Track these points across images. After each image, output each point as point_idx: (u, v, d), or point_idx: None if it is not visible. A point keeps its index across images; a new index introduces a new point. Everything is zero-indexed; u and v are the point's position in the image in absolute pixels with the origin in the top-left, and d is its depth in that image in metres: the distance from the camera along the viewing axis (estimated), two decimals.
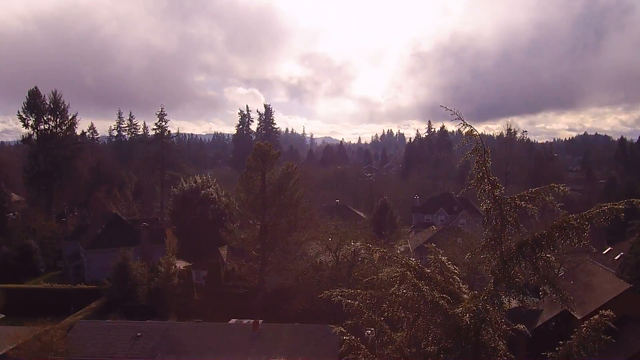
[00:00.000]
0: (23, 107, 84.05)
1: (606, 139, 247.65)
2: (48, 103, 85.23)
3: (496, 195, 10.19)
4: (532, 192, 10.36)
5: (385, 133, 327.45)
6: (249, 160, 49.16)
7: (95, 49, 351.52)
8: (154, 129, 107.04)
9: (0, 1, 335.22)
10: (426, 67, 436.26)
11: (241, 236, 49.84)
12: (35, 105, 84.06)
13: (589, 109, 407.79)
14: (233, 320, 39.29)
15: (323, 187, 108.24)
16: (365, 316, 10.83)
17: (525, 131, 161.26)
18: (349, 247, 40.86)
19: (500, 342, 10.37)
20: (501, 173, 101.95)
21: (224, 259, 56.86)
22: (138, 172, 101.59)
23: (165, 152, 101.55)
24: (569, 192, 10.19)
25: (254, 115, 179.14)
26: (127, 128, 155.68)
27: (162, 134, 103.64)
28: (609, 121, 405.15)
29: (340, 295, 10.93)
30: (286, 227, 49.51)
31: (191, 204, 65.61)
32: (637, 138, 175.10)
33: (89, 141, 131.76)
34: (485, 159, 10.10)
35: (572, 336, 10.47)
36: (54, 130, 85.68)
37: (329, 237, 43.68)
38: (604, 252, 50.08)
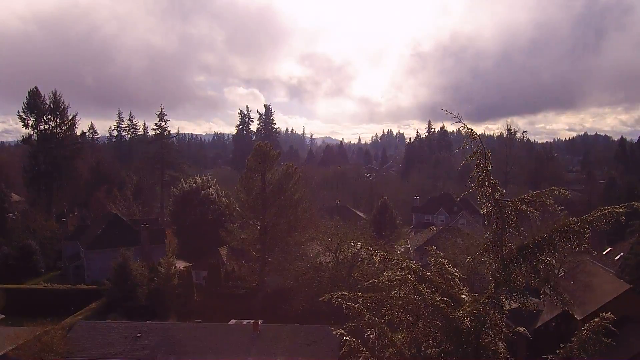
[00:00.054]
0: (23, 107, 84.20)
1: (606, 139, 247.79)
2: (48, 103, 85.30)
3: (497, 199, 10.20)
4: (533, 196, 10.37)
5: (385, 133, 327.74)
6: (249, 160, 49.17)
7: (95, 49, 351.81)
8: (154, 129, 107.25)
9: (1, 1, 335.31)
10: (426, 67, 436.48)
11: (241, 236, 49.85)
12: (35, 105, 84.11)
13: (589, 109, 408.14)
14: (233, 321, 39.30)
15: (323, 187, 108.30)
16: (365, 319, 10.84)
17: (525, 131, 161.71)
18: (349, 250, 40.89)
19: (500, 344, 10.39)
20: (501, 173, 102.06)
21: (224, 260, 56.88)
22: (138, 172, 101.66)
23: (165, 152, 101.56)
24: (569, 195, 10.20)
25: (254, 115, 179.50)
26: (127, 128, 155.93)
27: (162, 134, 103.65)
28: (609, 121, 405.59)
29: (341, 298, 10.94)
30: (286, 227, 49.53)
31: (191, 204, 65.62)
32: (637, 138, 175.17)
33: (89, 141, 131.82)
34: (486, 162, 10.12)
35: (573, 339, 10.48)
36: (54, 130, 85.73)
37: (329, 237, 43.69)
38: (604, 253, 50.15)
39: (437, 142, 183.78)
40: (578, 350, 10.36)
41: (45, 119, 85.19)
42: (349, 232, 44.32)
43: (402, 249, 66.70)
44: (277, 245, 49.12)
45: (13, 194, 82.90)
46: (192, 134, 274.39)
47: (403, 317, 10.58)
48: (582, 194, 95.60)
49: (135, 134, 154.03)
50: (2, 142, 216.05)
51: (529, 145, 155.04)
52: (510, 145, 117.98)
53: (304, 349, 31.78)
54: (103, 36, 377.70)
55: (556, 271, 39.62)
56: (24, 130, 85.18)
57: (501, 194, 10.30)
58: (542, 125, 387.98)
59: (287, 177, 49.06)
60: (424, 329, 10.43)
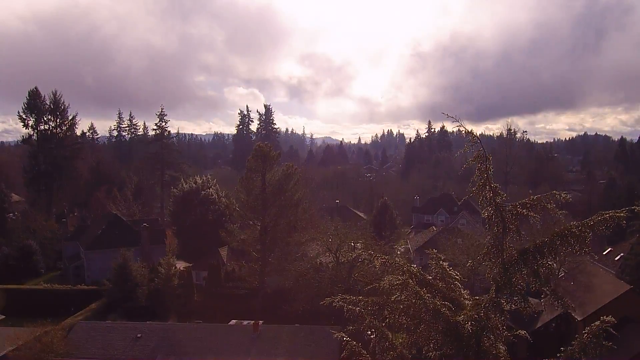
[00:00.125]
0: (23, 107, 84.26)
1: (606, 139, 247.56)
2: (48, 103, 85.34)
3: (498, 203, 10.20)
4: (534, 200, 10.38)
5: (385, 133, 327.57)
6: (249, 161, 49.15)
7: (95, 49, 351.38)
8: (154, 129, 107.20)
9: (1, 1, 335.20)
10: (426, 67, 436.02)
11: (241, 237, 49.84)
12: (35, 105, 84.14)
13: (589, 109, 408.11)
14: (233, 321, 39.33)
15: (323, 187, 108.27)
16: (366, 322, 10.86)
17: (525, 131, 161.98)
18: (351, 254, 40.91)
19: (501, 347, 10.40)
20: (501, 173, 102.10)
21: (224, 260, 56.87)
22: (138, 173, 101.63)
23: (165, 152, 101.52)
24: (570, 199, 10.21)
25: (254, 116, 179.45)
26: (127, 128, 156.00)
27: (162, 134, 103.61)
28: (609, 121, 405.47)
29: (342, 302, 10.95)
30: (286, 228, 49.52)
31: (191, 204, 65.63)
32: (637, 138, 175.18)
33: (89, 141, 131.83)
34: (487, 166, 10.13)
35: (573, 342, 10.48)
36: (54, 130, 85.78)
37: (329, 238, 43.70)
38: (604, 253, 50.16)
39: (437, 142, 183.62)
40: (579, 354, 10.36)
41: (45, 119, 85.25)
42: (349, 233, 44.36)
43: (402, 250, 66.74)
44: (277, 246, 49.13)
45: (13, 194, 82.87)
46: (192, 134, 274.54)
47: (404, 321, 10.58)
48: (582, 194, 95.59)
49: (135, 134, 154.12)
50: (2, 142, 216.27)
51: (529, 145, 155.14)
52: (510, 145, 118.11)
53: (304, 350, 31.82)
54: (103, 36, 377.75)
55: (556, 272, 39.62)
56: (24, 131, 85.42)
57: (502, 198, 10.31)
58: (542, 125, 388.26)
59: (287, 177, 49.04)
60: (425, 333, 10.44)
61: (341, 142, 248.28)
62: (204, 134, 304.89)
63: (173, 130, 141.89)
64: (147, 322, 37.79)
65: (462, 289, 11.39)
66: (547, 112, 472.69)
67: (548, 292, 10.37)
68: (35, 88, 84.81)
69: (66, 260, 61.33)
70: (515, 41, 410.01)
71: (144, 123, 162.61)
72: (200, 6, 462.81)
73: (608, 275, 41.66)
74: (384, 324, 10.85)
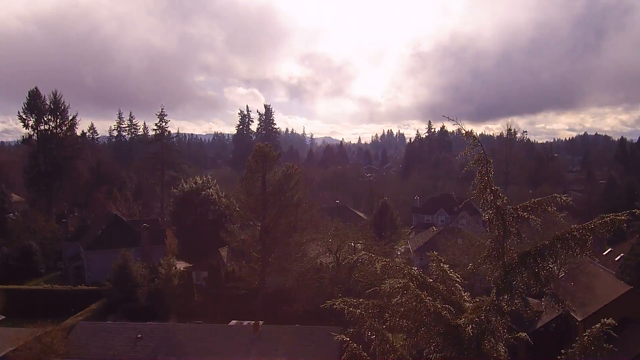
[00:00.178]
0: (23, 107, 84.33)
1: (606, 139, 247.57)
2: (48, 103, 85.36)
3: (498, 205, 10.20)
4: (535, 203, 10.38)
5: (385, 133, 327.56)
6: (249, 161, 49.15)
7: (95, 49, 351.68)
8: (154, 129, 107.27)
9: (1, 1, 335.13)
10: (426, 67, 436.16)
11: (241, 237, 49.85)
12: (35, 105, 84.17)
13: (589, 109, 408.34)
14: (233, 322, 39.33)
15: (323, 187, 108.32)
16: (367, 324, 10.86)
17: (525, 131, 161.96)
18: (351, 257, 40.77)
19: (501, 349, 10.40)
20: (501, 173, 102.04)
21: (225, 260, 56.85)
22: (138, 173, 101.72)
23: (165, 152, 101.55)
24: (571, 202, 10.21)
25: (254, 116, 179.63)
26: (127, 128, 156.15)
27: (162, 134, 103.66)
28: (609, 121, 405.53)
29: (343, 304, 10.95)
30: (286, 228, 49.51)
31: (191, 204, 65.57)
32: (637, 138, 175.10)
33: (89, 141, 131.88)
34: (487, 169, 10.12)
35: (574, 344, 10.49)
36: (54, 130, 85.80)
37: (330, 238, 43.68)
38: (604, 254, 50.12)
39: (437, 142, 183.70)
40: (579, 355, 10.36)
41: (45, 119, 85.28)
42: (349, 233, 44.31)
43: (402, 250, 66.73)
44: (277, 246, 49.12)
45: (13, 194, 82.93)
46: (192, 134, 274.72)
47: (405, 324, 10.59)
48: (582, 194, 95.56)
49: (136, 134, 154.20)
50: (2, 142, 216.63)
51: (529, 145, 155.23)
52: (510, 145, 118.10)
53: (305, 350, 31.83)
54: (103, 36, 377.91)
55: (557, 272, 39.58)
56: (24, 131, 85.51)
57: (503, 200, 10.30)
58: (542, 125, 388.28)
59: (288, 177, 49.03)
60: (425, 336, 10.44)
61: (341, 142, 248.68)
62: (204, 134, 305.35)
63: (173, 131, 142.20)
64: (148, 322, 37.81)
65: (462, 292, 11.39)
66: (547, 112, 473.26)
67: (549, 295, 10.38)
68: (36, 88, 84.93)
69: (66, 260, 61.32)
70: (515, 41, 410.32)
71: (144, 123, 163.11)
72: (200, 6, 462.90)
73: (608, 275, 41.64)
74: (384, 327, 10.85)
